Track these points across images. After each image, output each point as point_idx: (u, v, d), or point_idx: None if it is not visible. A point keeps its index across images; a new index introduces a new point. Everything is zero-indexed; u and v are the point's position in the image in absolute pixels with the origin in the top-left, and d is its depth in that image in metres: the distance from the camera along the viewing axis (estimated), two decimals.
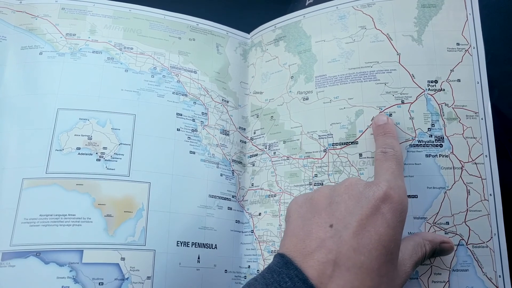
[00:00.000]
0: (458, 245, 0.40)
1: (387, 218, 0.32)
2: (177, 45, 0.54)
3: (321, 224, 0.33)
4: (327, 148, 0.47)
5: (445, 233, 0.40)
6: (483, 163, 0.41)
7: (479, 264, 0.39)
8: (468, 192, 0.41)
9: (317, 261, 0.31)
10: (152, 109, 0.50)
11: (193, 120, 0.51)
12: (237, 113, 0.54)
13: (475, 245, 0.40)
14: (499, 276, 0.39)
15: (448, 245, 0.40)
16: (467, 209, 0.41)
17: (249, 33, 0.58)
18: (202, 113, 0.52)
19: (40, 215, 0.43)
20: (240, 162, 0.53)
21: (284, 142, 0.50)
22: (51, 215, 0.43)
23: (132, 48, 0.52)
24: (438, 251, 0.40)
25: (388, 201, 0.33)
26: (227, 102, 0.54)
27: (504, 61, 0.44)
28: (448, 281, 0.40)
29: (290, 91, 0.51)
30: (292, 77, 0.51)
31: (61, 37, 0.50)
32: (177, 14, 0.55)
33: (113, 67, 0.50)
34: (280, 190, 0.49)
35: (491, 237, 0.39)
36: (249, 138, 0.54)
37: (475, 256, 0.40)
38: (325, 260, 0.31)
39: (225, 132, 0.53)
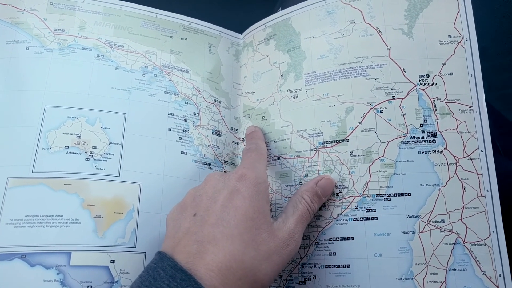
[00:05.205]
0: (454, 243, 0.36)
1: (242, 192, 0.34)
2: (169, 44, 0.50)
3: (187, 216, 0.35)
4: (317, 146, 0.43)
5: (440, 232, 0.37)
6: (478, 158, 0.38)
7: (478, 262, 0.35)
8: (464, 188, 0.37)
9: (183, 246, 0.32)
10: (143, 108, 0.46)
11: (185, 120, 0.47)
12: (230, 113, 0.51)
13: (472, 243, 0.36)
14: (499, 275, 0.35)
15: (324, 180, 0.40)
16: (463, 206, 0.37)
17: (241, 33, 0.54)
18: (194, 113, 0.48)
19: (25, 215, 0.39)
20: (232, 163, 0.49)
21: (275, 142, 0.46)
22: (38, 216, 0.39)
23: (123, 46, 0.48)
24: (322, 192, 0.39)
25: (243, 180, 0.35)
26: (220, 102, 0.50)
27: (497, 53, 0.40)
28: (445, 281, 0.35)
29: (280, 90, 0.47)
30: (282, 75, 0.48)
31: (49, 33, 0.46)
32: (169, 13, 0.52)
33: (103, 64, 0.46)
34: (271, 191, 0.45)
35: (489, 235, 0.36)
36: (241, 139, 0.50)
37: (473, 255, 0.35)
38: (190, 243, 0.32)
39: (217, 133, 0.49)
